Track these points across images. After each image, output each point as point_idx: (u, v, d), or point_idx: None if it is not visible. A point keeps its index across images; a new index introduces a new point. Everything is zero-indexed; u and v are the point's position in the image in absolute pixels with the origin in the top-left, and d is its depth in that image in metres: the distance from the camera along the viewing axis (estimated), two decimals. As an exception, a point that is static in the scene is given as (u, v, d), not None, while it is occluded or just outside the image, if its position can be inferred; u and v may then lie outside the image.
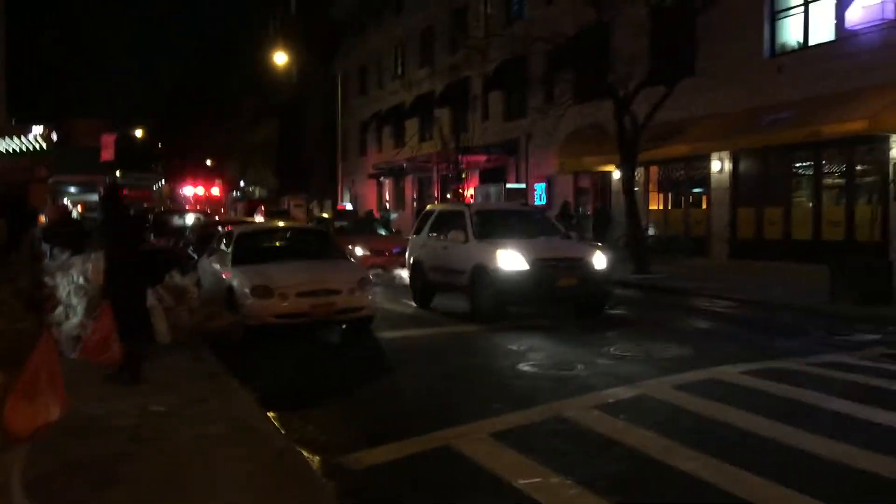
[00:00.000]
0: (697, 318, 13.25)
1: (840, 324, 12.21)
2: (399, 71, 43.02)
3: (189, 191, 72.27)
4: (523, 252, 12.56)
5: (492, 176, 33.18)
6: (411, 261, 15.46)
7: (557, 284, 12.54)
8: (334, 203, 45.67)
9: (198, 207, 42.14)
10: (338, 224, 23.63)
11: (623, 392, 7.82)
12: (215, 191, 66.51)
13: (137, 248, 8.26)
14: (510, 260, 12.49)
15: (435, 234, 14.85)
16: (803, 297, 14.55)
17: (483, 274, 12.71)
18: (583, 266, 12.87)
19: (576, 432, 6.55)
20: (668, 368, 8.92)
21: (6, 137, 28.39)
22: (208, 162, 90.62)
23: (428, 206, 17.51)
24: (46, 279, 11.06)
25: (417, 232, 15.72)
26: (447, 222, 14.65)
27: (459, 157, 30.91)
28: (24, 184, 22.89)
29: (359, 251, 19.92)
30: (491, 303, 12.60)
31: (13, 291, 10.12)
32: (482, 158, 32.23)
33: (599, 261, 12.99)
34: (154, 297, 9.55)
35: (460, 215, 14.29)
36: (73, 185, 47.77)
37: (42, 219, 27.21)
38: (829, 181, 19.50)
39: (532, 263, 12.40)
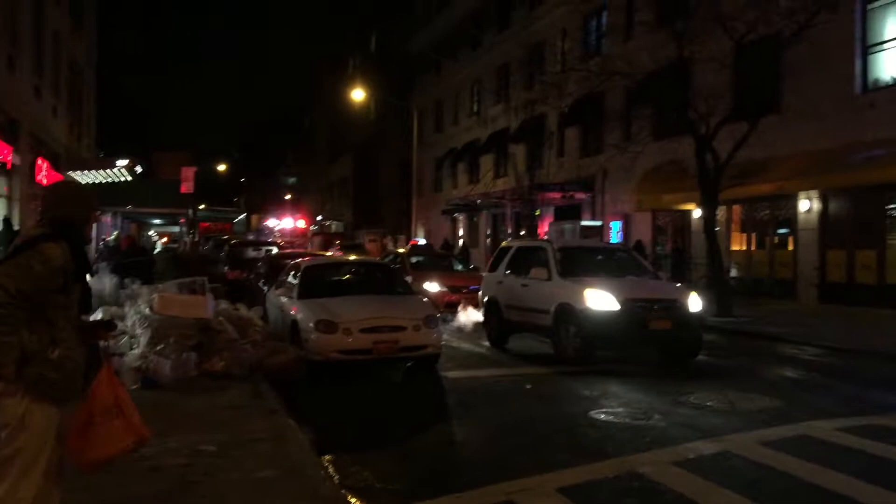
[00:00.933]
0: (785, 366, 12.40)
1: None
2: (475, 107, 43.03)
3: (273, 223, 73.03)
4: (613, 291, 11.79)
5: (566, 213, 32.62)
6: (486, 299, 14.85)
7: (650, 327, 11.70)
8: (408, 238, 45.66)
9: (282, 240, 42.39)
10: (413, 259, 23.07)
11: (704, 447, 7.19)
12: (301, 223, 66.32)
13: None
14: (599, 299, 11.68)
15: (513, 272, 14.22)
16: (901, 346, 13.53)
17: (569, 314, 11.93)
18: (677, 308, 11.98)
19: (652, 491, 5.97)
20: (754, 421, 8.24)
21: (93, 171, 29.35)
22: (287, 196, 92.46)
23: (504, 242, 16.77)
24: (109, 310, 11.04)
25: (493, 268, 15.11)
26: (527, 259, 13.96)
27: (534, 193, 30.49)
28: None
29: (434, 287, 19.57)
30: (578, 345, 11.84)
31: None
32: (557, 195, 31.72)
33: (694, 303, 12.15)
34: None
35: (542, 251, 13.58)
36: (155, 217, 49.15)
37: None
38: (927, 223, 18.37)
39: (623, 304, 11.59)
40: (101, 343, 4.33)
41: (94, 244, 26.07)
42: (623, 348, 12.48)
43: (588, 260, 13.82)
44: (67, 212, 3.96)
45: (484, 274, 15.97)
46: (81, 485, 4.91)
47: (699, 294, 12.76)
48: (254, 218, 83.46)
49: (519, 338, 14.05)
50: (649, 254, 25.26)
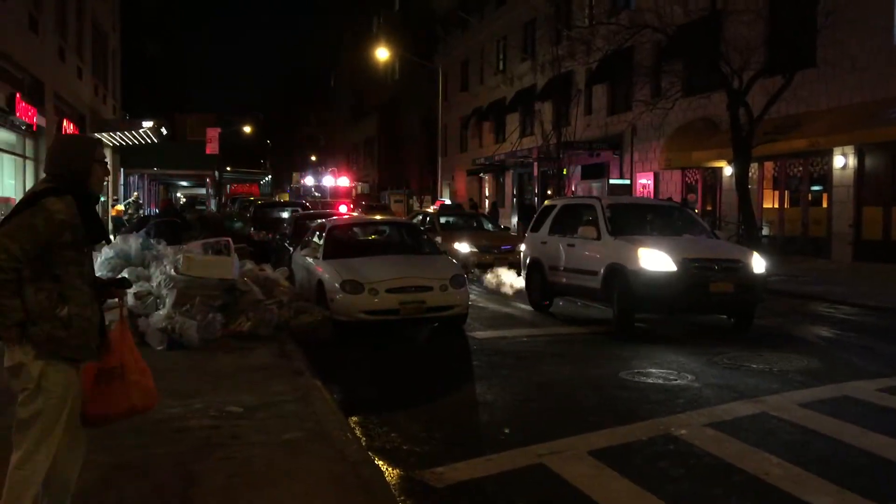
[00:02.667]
0: (820, 325, 12.11)
1: None
2: (500, 66, 42.40)
3: (311, 181, 67.30)
4: (669, 251, 10.76)
5: (594, 172, 32.19)
6: (528, 260, 13.98)
7: (711, 290, 10.64)
8: (433, 198, 45.40)
9: (328, 200, 38.53)
10: (442, 220, 22.46)
11: (741, 408, 6.99)
12: (344, 181, 59.81)
13: None
14: (654, 259, 10.67)
15: (558, 231, 13.29)
16: (940, 304, 13.17)
17: (620, 276, 10.97)
18: (740, 270, 10.95)
19: (687, 454, 5.80)
20: (791, 382, 8.02)
21: (118, 132, 29.34)
22: (313, 157, 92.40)
23: (547, 201, 15.70)
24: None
25: (535, 228, 14.12)
26: (573, 217, 13.07)
27: (561, 152, 30.07)
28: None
29: (465, 248, 19.27)
30: (630, 309, 10.92)
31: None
32: (584, 153, 31.27)
33: (758, 264, 11.17)
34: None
35: (590, 209, 12.52)
36: (181, 178, 49.31)
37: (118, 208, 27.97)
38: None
39: (680, 264, 10.57)
40: (116, 301, 4.20)
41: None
42: (682, 312, 11.50)
43: (641, 218, 12.81)
44: (68, 164, 3.80)
45: (526, 234, 15.02)
46: (101, 445, 4.83)
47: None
48: (294, 176, 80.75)
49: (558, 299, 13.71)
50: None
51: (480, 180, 45.48)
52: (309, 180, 69.94)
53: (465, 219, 23.64)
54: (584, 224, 12.38)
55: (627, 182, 29.10)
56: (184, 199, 52.67)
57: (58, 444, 3.68)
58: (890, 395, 7.43)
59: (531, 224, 14.60)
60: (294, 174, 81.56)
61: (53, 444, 3.65)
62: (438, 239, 16.86)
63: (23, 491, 3.60)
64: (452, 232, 20.36)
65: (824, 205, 21.46)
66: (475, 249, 19.33)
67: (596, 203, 12.58)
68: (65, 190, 3.68)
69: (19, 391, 3.66)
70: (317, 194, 49.97)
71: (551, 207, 14.15)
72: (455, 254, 17.63)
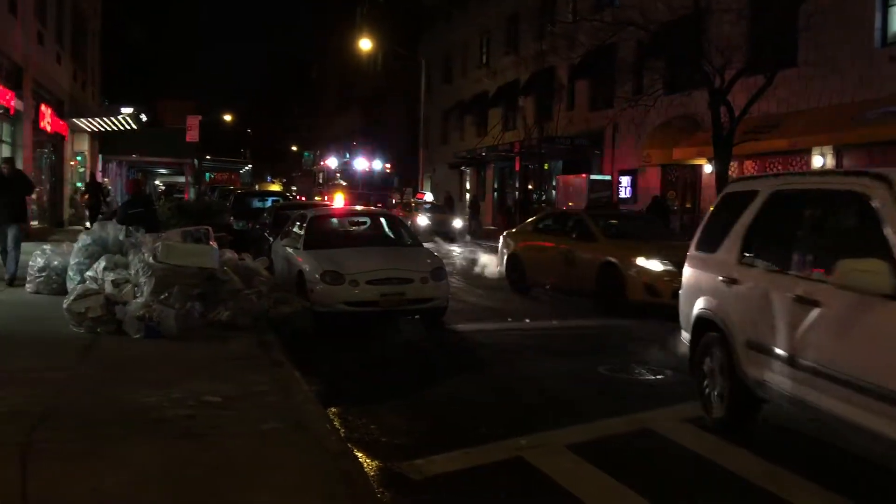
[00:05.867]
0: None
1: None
2: (484, 59, 42.40)
3: (336, 163, 55.40)
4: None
5: (575, 167, 32.27)
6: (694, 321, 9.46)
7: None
8: (414, 191, 45.35)
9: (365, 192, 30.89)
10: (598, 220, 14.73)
11: (718, 404, 7.04)
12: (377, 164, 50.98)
13: None
14: None
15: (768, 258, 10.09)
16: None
17: None
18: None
19: (666, 449, 5.84)
20: (767, 379, 8.08)
21: (97, 118, 29.05)
22: (294, 148, 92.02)
23: (734, 185, 8.99)
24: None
25: (709, 243, 10.05)
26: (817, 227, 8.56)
27: (542, 146, 30.12)
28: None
29: (657, 266, 12.13)
30: None
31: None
32: (566, 149, 31.34)
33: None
34: None
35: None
36: (161, 166, 48.86)
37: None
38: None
39: None
40: None
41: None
42: None
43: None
44: None
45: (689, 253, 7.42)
46: (77, 435, 4.79)
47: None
48: (309, 160, 70.73)
49: (539, 293, 13.76)
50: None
51: (462, 174, 45.46)
52: (332, 162, 56.83)
53: (629, 219, 16.78)
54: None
55: (608, 178, 29.21)
56: (162, 187, 52.20)
57: None
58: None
59: (697, 237, 7.35)
60: (306, 155, 62.69)
61: None
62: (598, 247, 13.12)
63: None
64: (625, 240, 13.68)
65: (803, 204, 21.62)
66: (671, 268, 11.50)
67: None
68: None
69: None
70: (341, 182, 37.56)
71: (746, 197, 6.57)
72: (640, 276, 12.14)
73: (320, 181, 33.84)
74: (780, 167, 22.56)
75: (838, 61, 19.71)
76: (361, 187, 30.06)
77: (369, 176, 36.05)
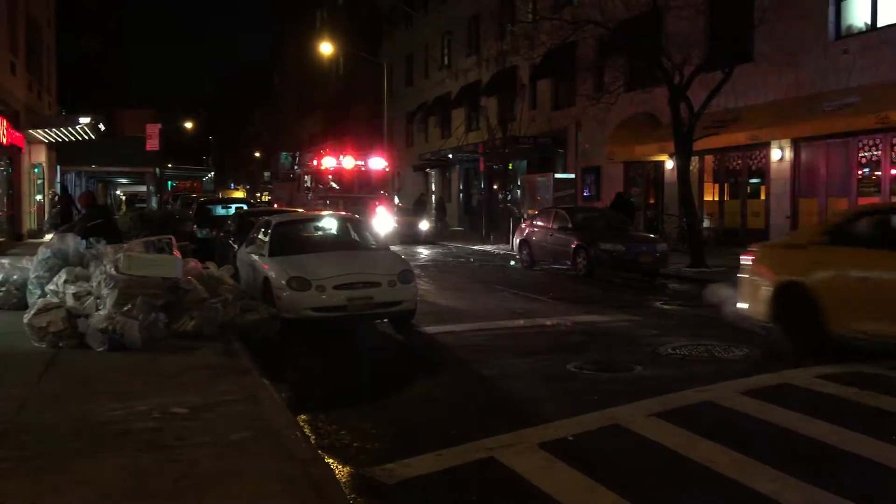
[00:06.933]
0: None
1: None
2: (445, 60, 42.42)
3: (331, 162, 48.29)
4: None
5: (539, 166, 32.40)
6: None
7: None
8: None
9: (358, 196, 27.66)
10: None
11: (686, 397, 7.10)
12: (379, 162, 39.06)
13: None
14: None
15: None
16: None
17: None
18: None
19: (637, 444, 5.86)
20: (734, 371, 8.18)
21: (55, 128, 28.55)
22: (257, 154, 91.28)
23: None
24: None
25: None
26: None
27: (506, 146, 30.20)
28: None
29: None
30: None
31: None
32: (529, 148, 31.46)
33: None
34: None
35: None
36: (121, 176, 48.20)
37: None
38: (899, 170, 18.28)
39: None
40: None
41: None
42: None
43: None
44: None
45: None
46: (40, 451, 4.68)
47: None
48: (283, 158, 67.89)
49: (501, 286, 13.80)
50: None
51: (427, 175, 45.44)
52: (328, 161, 51.95)
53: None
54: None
55: (572, 176, 29.36)
56: (123, 197, 51.47)
57: None
58: (827, 381, 7.62)
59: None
60: (283, 157, 56.56)
61: None
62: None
63: None
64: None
65: (762, 197, 21.97)
66: None
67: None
68: None
69: None
70: (335, 185, 33.37)
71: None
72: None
73: (307, 186, 28.94)
74: (739, 162, 22.88)
75: (794, 55, 20.03)
76: (357, 191, 27.26)
77: (366, 177, 31.40)
